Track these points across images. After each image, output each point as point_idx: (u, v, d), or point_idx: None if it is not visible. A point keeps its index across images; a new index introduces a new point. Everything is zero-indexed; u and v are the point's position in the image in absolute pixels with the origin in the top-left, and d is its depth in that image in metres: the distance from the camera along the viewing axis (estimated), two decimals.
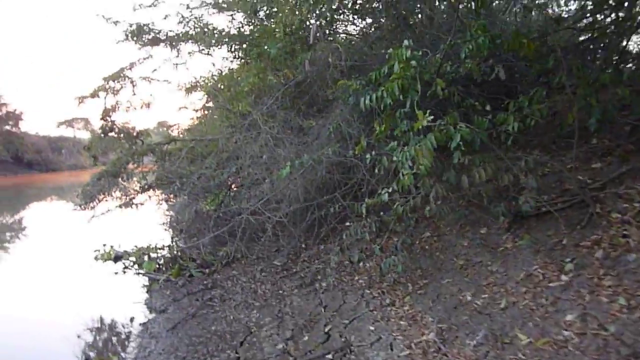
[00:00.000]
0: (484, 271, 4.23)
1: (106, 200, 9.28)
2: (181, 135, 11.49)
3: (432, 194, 3.89)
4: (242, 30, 8.47)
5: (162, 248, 9.70)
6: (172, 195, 9.41)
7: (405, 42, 3.98)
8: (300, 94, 6.96)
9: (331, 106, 6.36)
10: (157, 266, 8.53)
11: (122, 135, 8.58)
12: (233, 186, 9.10)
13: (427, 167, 3.60)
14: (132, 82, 8.60)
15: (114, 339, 6.43)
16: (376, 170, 4.50)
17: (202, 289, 7.22)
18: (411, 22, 6.04)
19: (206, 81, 9.38)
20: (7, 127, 45.41)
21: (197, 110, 11.69)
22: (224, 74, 9.26)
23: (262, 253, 8.08)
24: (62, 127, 58.42)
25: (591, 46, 5.20)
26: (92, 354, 5.80)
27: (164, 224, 13.19)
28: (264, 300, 6.29)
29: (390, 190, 4.03)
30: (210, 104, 10.83)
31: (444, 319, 3.98)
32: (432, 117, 3.42)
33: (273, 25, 6.90)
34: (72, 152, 53.58)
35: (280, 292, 6.42)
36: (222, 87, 8.49)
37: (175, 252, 8.80)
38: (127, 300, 7.50)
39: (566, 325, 3.05)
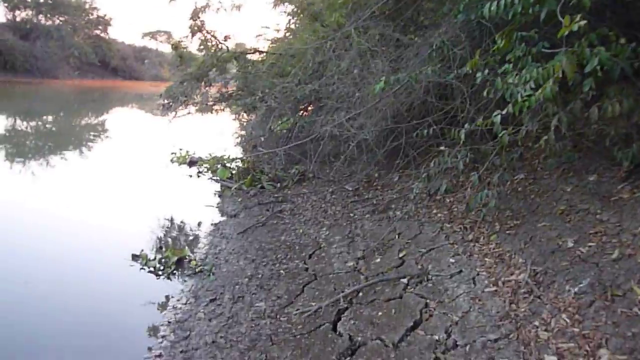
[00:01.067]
0: (591, 219, 3.77)
1: (187, 104, 9.38)
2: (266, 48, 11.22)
3: (553, 122, 3.40)
4: None
5: (236, 160, 9.82)
6: (249, 107, 9.32)
7: None
8: (401, 8, 6.36)
9: (434, 23, 5.79)
10: (231, 174, 8.63)
11: (209, 39, 8.43)
12: (312, 105, 8.86)
13: (553, 90, 3.11)
14: None
15: (186, 236, 6.62)
16: (485, 93, 4.03)
17: (273, 201, 7.24)
18: None
19: None
20: (97, 32, 47.16)
21: (279, 31, 11.30)
22: None
23: (334, 176, 7.94)
24: (146, 38, 60.13)
25: None
26: (164, 244, 6.00)
27: (238, 139, 13.35)
28: (334, 220, 6.19)
29: (505, 112, 3.57)
30: (295, 24, 10.38)
31: (538, 262, 3.62)
32: (584, 22, 2.87)
33: None
34: (154, 63, 55.32)
35: (351, 215, 6.28)
36: None
37: (248, 164, 8.84)
38: (200, 203, 7.69)
39: None
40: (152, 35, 59.62)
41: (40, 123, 18.72)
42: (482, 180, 4.29)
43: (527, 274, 3.50)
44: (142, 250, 5.31)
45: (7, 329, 3.96)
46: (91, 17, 46.33)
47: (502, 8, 3.48)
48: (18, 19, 41.02)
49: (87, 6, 45.59)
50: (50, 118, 20.75)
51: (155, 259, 5.19)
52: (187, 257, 5.24)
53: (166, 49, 59.94)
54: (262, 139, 10.52)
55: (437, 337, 3.16)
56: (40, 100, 28.52)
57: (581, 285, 3.13)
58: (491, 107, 4.82)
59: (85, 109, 25.59)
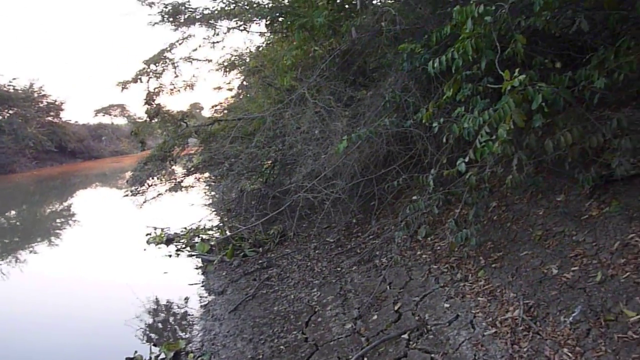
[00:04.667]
0: (568, 241, 3.91)
1: (155, 185, 9.33)
2: (222, 115, 11.38)
3: (514, 162, 3.57)
4: (279, 2, 8.17)
5: (212, 229, 9.74)
6: (218, 176, 9.37)
7: None
8: (347, 64, 6.65)
9: (381, 74, 6.03)
10: (210, 247, 8.54)
11: (167, 118, 8.51)
12: (278, 164, 8.97)
13: (510, 132, 3.29)
14: (173, 64, 8.48)
15: (176, 322, 6.47)
16: (444, 139, 4.20)
17: (258, 269, 7.18)
18: None
19: (246, 58, 9.16)
20: (49, 118, 46.65)
21: (232, 90, 11.56)
22: (263, 49, 9.01)
23: (313, 230, 7.96)
24: (100, 114, 59.77)
25: None
26: (156, 338, 5.84)
27: (209, 205, 13.29)
28: (323, 278, 6.17)
29: (466, 159, 3.73)
30: (247, 83, 10.66)
31: (528, 294, 3.71)
32: (523, 76, 3.08)
33: None
34: (111, 138, 54.81)
35: (338, 269, 6.28)
36: (264, 62, 8.24)
37: (226, 233, 8.79)
38: (183, 283, 7.56)
39: None
40: (106, 110, 59.39)
41: (2, 220, 18.16)
42: (459, 221, 4.40)
43: (521, 309, 3.58)
44: (136, 352, 5.16)
45: None
46: (41, 104, 45.89)
47: (444, 64, 3.68)
48: None
49: (36, 95, 45.21)
50: (12, 213, 20.16)
51: (150, 359, 5.04)
52: (182, 350, 5.10)
53: (122, 121, 59.86)
54: (236, 201, 10.53)
55: None
56: None
57: (574, 314, 3.22)
58: (452, 146, 5.02)
59: (48, 197, 25.01)
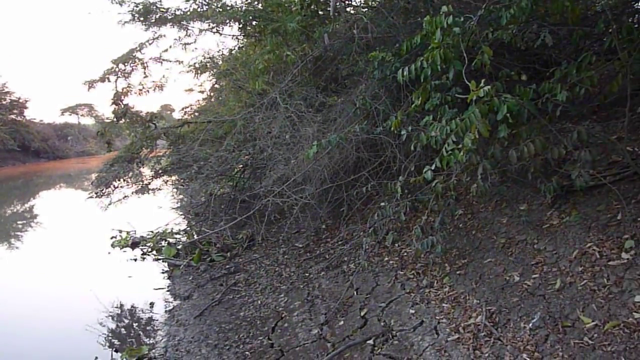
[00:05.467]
0: (530, 250, 4.02)
1: (121, 187, 9.11)
2: (192, 117, 11.24)
3: (479, 170, 3.65)
4: (253, 5, 8.16)
5: (179, 233, 9.59)
6: (186, 179, 9.22)
7: (445, 8, 3.69)
8: (319, 70, 6.68)
9: (353, 81, 6.08)
10: (177, 251, 8.39)
11: (135, 119, 8.34)
12: (249, 168, 8.91)
13: (475, 142, 3.36)
14: (143, 64, 8.33)
15: (140, 327, 6.32)
16: (412, 147, 4.25)
17: (225, 274, 7.10)
18: None
19: (217, 60, 9.09)
20: (13, 116, 45.15)
21: (203, 92, 11.44)
22: (235, 52, 8.96)
23: (282, 235, 7.92)
24: (66, 114, 58.19)
25: None
26: (118, 343, 5.69)
27: (177, 208, 13.07)
28: (291, 284, 6.15)
29: (433, 167, 3.79)
30: (219, 85, 10.58)
31: (491, 300, 3.79)
32: (488, 87, 3.15)
33: None
34: (78, 138, 53.44)
35: (306, 274, 6.27)
36: (235, 65, 8.20)
37: (193, 237, 8.66)
38: (148, 287, 7.40)
39: (636, 307, 2.84)
40: (72, 110, 57.84)
41: None
42: (425, 228, 4.46)
43: (484, 315, 3.64)
44: (97, 358, 5.02)
45: None
46: (4, 102, 44.35)
47: (413, 73, 3.73)
48: None
49: None
50: None
51: None
52: (145, 356, 4.98)
53: (89, 121, 58.38)
54: (205, 205, 10.38)
55: None
56: None
57: (534, 320, 3.30)
58: (421, 154, 5.09)
59: (9, 197, 24.10)
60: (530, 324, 3.28)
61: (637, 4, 4.67)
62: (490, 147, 3.80)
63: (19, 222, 16.19)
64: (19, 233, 13.72)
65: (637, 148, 4.08)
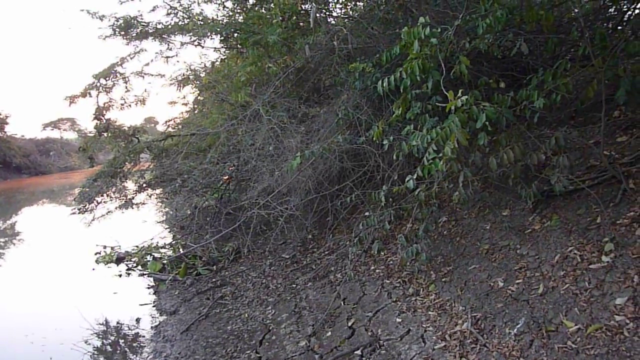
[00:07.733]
0: (513, 255, 4.06)
1: (104, 202, 9.00)
2: (175, 130, 11.19)
3: (460, 178, 3.69)
4: (234, 18, 8.18)
5: (165, 247, 9.49)
6: (170, 193, 9.17)
7: (422, 19, 3.75)
8: (302, 81, 6.71)
9: (335, 92, 6.12)
10: (162, 266, 8.30)
11: (117, 134, 8.27)
12: (234, 180, 8.88)
13: (455, 150, 3.40)
14: (124, 78, 8.29)
15: (126, 344, 6.22)
16: (394, 156, 4.28)
17: (212, 287, 7.04)
18: None
19: (200, 73, 9.08)
20: None
21: (187, 104, 11.41)
22: (217, 64, 8.97)
23: (268, 246, 7.89)
24: (48, 128, 57.50)
25: (616, 13, 4.94)
26: None
27: (162, 221, 12.95)
28: (278, 296, 6.12)
29: (415, 176, 3.82)
30: (202, 97, 10.56)
31: (476, 307, 3.81)
32: (465, 97, 3.20)
33: (270, 11, 6.62)
34: (60, 153, 52.73)
35: (294, 286, 6.25)
36: (218, 78, 8.20)
37: (179, 251, 8.58)
38: (134, 303, 7.30)
39: (617, 309, 2.89)
40: (54, 124, 57.20)
41: None
42: (410, 236, 4.48)
43: (470, 322, 3.67)
44: None
45: None
46: None
47: (393, 84, 3.77)
48: None
49: None
50: None
51: None
52: None
53: (72, 136, 57.68)
54: (190, 218, 10.30)
55: None
56: None
57: (518, 325, 3.33)
58: (403, 162, 5.13)
59: None
60: (515, 330, 3.31)
61: (609, 12, 4.79)
62: (471, 155, 3.84)
63: (0, 240, 15.88)
64: (0, 251, 13.46)
65: (613, 152, 4.16)
